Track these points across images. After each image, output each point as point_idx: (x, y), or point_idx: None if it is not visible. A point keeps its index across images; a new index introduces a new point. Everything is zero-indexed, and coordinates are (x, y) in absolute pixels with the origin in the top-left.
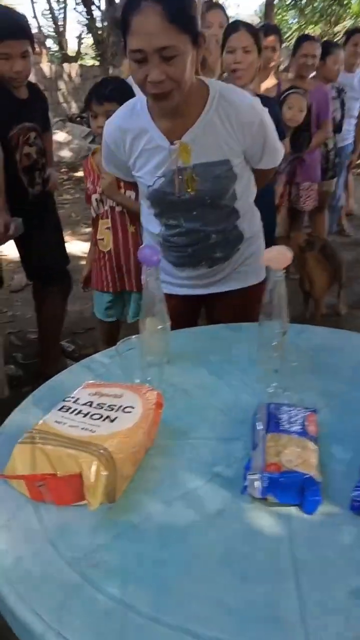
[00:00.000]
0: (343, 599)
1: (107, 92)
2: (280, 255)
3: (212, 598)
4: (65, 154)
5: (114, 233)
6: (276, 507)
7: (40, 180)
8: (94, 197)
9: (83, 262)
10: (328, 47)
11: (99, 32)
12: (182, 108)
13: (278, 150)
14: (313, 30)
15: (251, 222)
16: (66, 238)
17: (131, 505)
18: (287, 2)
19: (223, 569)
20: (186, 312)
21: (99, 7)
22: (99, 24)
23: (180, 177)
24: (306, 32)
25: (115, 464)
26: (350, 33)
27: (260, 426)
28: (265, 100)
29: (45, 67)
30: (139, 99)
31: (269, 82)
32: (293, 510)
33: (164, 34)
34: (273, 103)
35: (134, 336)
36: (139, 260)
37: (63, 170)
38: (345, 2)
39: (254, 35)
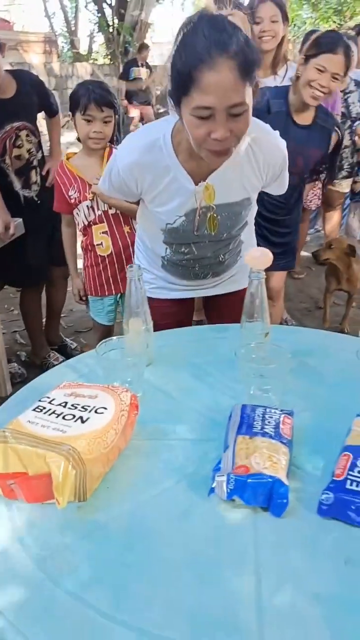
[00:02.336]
0: (303, 605)
1: (107, 97)
2: (263, 257)
3: (170, 600)
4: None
5: (111, 235)
6: (243, 510)
7: (37, 178)
8: (85, 204)
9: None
10: None
11: (110, 30)
12: None
13: (286, 182)
14: (329, 25)
15: (249, 227)
16: None
17: (101, 505)
18: None
19: (184, 572)
20: (180, 312)
21: (110, 5)
22: (110, 22)
23: (202, 216)
24: (320, 27)
25: (84, 463)
26: None
27: (232, 428)
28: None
29: (56, 66)
30: (162, 134)
31: None
32: (260, 513)
33: (236, 91)
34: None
35: (115, 337)
36: None
37: None
38: None
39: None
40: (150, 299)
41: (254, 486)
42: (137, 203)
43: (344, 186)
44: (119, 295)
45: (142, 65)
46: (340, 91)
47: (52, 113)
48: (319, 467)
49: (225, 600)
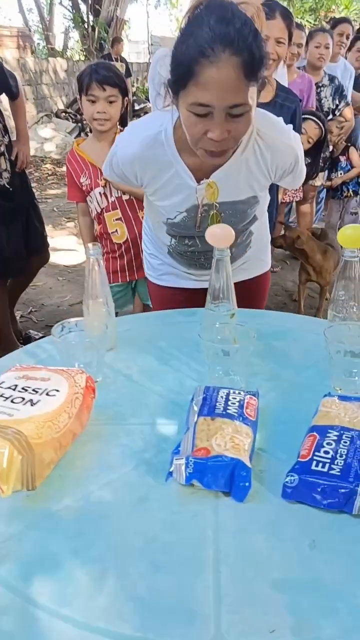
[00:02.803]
0: (262, 591)
1: (110, 77)
2: (224, 234)
3: (122, 590)
4: (51, 148)
5: (126, 222)
6: (204, 494)
7: (7, 165)
8: (97, 191)
9: (64, 255)
10: (310, 33)
11: (85, 26)
12: None
13: (302, 176)
14: (303, 23)
15: (260, 220)
16: (48, 233)
17: (52, 493)
18: None
19: (139, 560)
20: (186, 301)
21: (85, 1)
22: (84, 19)
23: (204, 214)
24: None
25: (32, 448)
26: (336, 22)
27: (194, 409)
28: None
29: (30, 61)
30: (164, 128)
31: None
32: (222, 497)
33: (238, 90)
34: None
35: (72, 319)
36: None
37: (47, 165)
38: None
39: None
40: (157, 287)
41: (214, 469)
42: None
43: (316, 180)
44: (133, 282)
45: (117, 60)
46: (315, 84)
47: (13, 95)
48: (284, 449)
49: (181, 589)
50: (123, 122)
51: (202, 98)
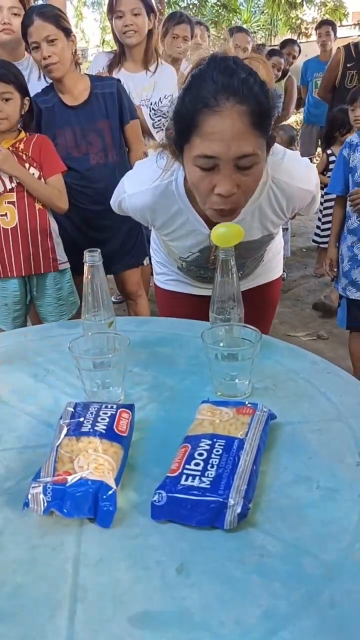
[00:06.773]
0: (119, 629)
1: (3, 73)
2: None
3: None
4: None
5: (19, 207)
6: (66, 523)
7: None
8: None
9: None
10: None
11: None
12: None
13: (316, 205)
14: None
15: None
16: None
17: None
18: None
19: None
20: (203, 309)
21: None
22: None
23: (216, 253)
24: None
25: None
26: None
27: (60, 430)
28: None
29: None
30: (174, 178)
31: None
32: (87, 524)
33: (245, 140)
34: None
35: None
36: None
37: None
38: (234, 9)
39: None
40: (164, 291)
41: (74, 495)
42: None
43: None
44: (26, 284)
45: None
46: None
47: None
48: (159, 464)
49: (29, 637)
50: (26, 127)
51: (206, 150)
